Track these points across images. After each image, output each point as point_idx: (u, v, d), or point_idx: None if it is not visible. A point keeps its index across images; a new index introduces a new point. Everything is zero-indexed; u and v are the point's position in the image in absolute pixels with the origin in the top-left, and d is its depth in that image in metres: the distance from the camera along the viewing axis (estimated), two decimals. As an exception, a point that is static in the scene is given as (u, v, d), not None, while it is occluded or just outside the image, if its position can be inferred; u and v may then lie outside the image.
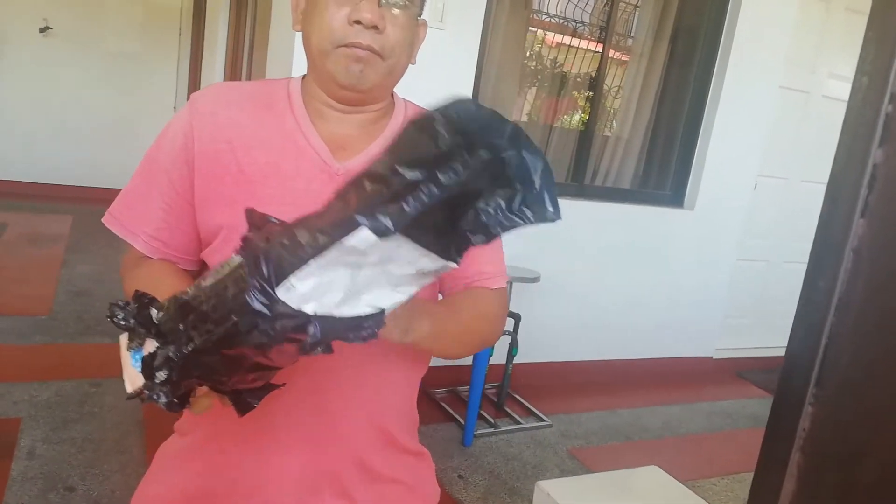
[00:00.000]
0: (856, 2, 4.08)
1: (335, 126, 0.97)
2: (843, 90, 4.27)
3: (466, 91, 3.03)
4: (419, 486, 1.07)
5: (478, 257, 1.04)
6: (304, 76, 1.01)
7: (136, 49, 6.24)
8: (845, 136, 0.40)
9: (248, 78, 3.97)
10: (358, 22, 0.88)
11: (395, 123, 1.01)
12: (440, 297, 1.07)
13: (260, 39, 3.66)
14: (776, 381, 0.45)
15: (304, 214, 0.52)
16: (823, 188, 0.45)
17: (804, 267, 0.44)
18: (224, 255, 0.92)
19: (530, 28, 3.60)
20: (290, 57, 2.61)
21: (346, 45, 0.90)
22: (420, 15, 0.97)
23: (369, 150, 0.97)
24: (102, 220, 1.00)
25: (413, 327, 0.82)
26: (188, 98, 1.01)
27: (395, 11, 0.91)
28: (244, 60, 4.18)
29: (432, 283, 1.03)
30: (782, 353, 0.45)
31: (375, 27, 0.89)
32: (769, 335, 4.38)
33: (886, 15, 0.39)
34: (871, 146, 0.38)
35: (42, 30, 5.83)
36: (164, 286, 0.91)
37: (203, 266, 1.02)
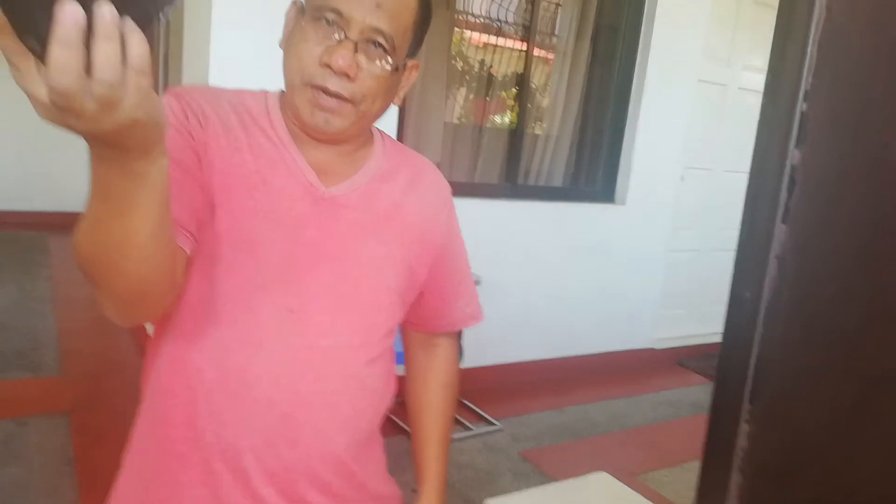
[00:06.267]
0: (764, -5, 4.25)
1: (315, 151, 0.89)
2: (757, 81, 4.44)
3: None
4: None
5: (459, 296, 1.06)
6: (281, 92, 0.91)
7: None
8: (761, 138, 0.37)
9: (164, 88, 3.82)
10: (328, 66, 0.80)
11: (377, 155, 0.94)
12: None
13: (174, 49, 3.53)
14: (714, 366, 0.44)
15: None
16: (746, 177, 0.43)
17: (732, 255, 0.42)
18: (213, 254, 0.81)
19: (455, 28, 3.59)
20: (206, 68, 2.51)
21: (313, 86, 0.81)
22: (413, 56, 0.88)
23: (354, 178, 0.90)
24: None
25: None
26: None
27: (371, 59, 0.82)
28: (160, 71, 4.02)
29: (390, 334, 0.96)
30: (718, 339, 0.44)
31: (346, 75, 0.80)
32: (704, 322, 4.51)
33: (794, 7, 0.37)
34: (787, 147, 0.35)
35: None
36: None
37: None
